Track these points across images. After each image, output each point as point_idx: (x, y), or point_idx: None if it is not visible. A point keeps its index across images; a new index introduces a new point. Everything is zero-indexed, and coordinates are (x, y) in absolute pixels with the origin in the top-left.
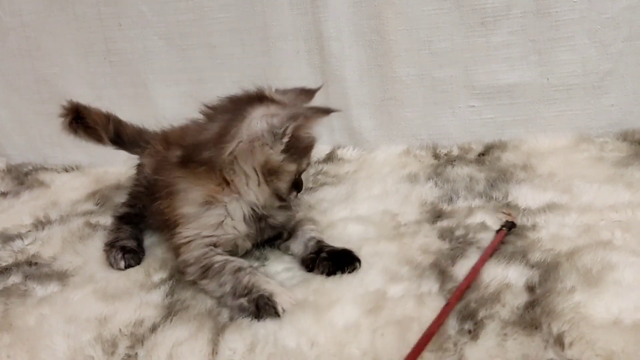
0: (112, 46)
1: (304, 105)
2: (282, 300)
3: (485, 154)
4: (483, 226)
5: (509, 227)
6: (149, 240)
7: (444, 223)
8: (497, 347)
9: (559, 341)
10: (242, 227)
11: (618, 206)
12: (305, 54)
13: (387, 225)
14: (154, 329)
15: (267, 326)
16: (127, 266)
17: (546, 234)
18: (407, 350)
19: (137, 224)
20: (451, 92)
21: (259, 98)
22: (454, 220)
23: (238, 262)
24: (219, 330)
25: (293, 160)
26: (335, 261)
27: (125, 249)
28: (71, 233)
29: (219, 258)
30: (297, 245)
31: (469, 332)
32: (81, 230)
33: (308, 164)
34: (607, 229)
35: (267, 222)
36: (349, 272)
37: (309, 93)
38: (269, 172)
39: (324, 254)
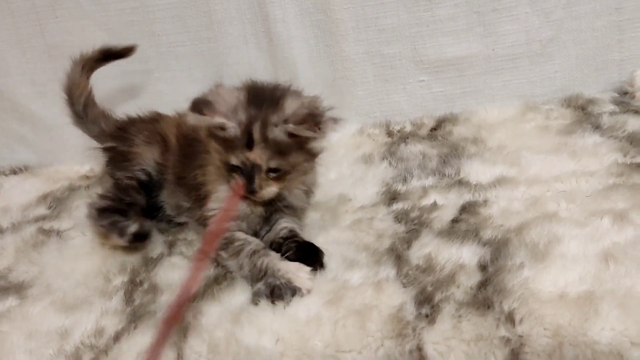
0: (50, 40)
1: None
2: (301, 283)
3: (437, 129)
4: (435, 206)
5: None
6: None
7: (399, 205)
8: (453, 329)
9: (510, 319)
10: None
11: (563, 176)
12: (253, 37)
13: (343, 211)
14: (117, 337)
15: (225, 327)
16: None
17: (497, 209)
18: (368, 339)
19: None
20: (400, 68)
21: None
22: (409, 202)
23: (255, 244)
24: (181, 334)
25: (214, 142)
26: (302, 251)
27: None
28: (24, 242)
29: (240, 236)
30: (270, 233)
31: (426, 316)
32: (34, 238)
33: (244, 164)
34: (553, 200)
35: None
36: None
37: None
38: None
39: (292, 242)
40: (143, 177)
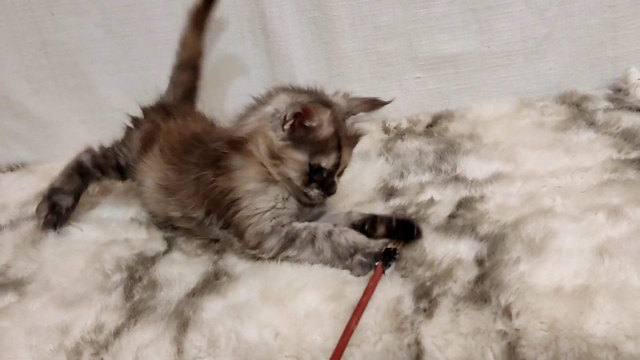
0: (46, 37)
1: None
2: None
3: (433, 125)
4: (432, 202)
5: (389, 256)
6: (104, 237)
7: (396, 201)
8: (451, 323)
9: (506, 312)
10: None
11: (558, 172)
12: (249, 34)
13: (341, 207)
14: (117, 333)
15: (225, 322)
16: (43, 225)
17: (493, 204)
18: (367, 333)
19: (88, 182)
20: (397, 65)
21: (292, 90)
22: (406, 197)
23: (322, 225)
24: (181, 330)
25: (299, 150)
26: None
27: (54, 209)
28: (22, 238)
29: (301, 225)
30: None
31: (424, 310)
32: (32, 235)
33: (336, 165)
34: (549, 196)
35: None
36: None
37: (375, 102)
38: (272, 156)
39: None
40: (122, 162)
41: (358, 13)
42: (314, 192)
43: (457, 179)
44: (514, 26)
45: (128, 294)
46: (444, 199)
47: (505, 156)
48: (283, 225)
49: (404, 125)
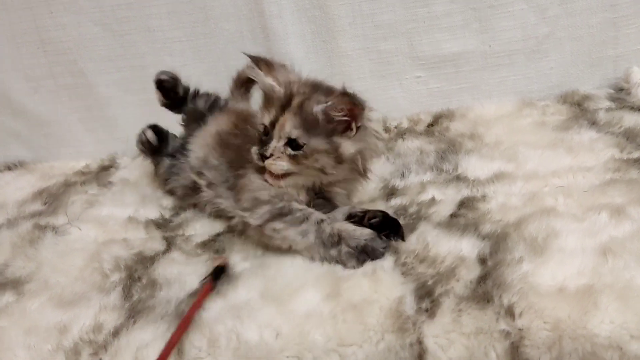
0: (45, 35)
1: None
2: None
3: (434, 125)
4: (433, 201)
5: (217, 273)
6: (102, 236)
7: (397, 200)
8: (453, 323)
9: (509, 312)
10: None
11: (560, 171)
12: (249, 33)
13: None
14: (116, 333)
15: (226, 322)
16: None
17: (495, 204)
18: (369, 333)
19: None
20: (397, 64)
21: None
22: (407, 197)
23: (317, 213)
24: None
25: (261, 108)
26: (387, 222)
27: (162, 83)
28: (21, 237)
29: (298, 206)
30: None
31: (427, 310)
32: (31, 234)
33: (271, 124)
34: (551, 195)
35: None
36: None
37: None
38: None
39: (377, 211)
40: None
41: (358, 12)
42: (253, 149)
43: (459, 179)
44: (515, 25)
45: (127, 293)
46: (446, 198)
47: (506, 156)
48: (281, 200)
49: (405, 124)
